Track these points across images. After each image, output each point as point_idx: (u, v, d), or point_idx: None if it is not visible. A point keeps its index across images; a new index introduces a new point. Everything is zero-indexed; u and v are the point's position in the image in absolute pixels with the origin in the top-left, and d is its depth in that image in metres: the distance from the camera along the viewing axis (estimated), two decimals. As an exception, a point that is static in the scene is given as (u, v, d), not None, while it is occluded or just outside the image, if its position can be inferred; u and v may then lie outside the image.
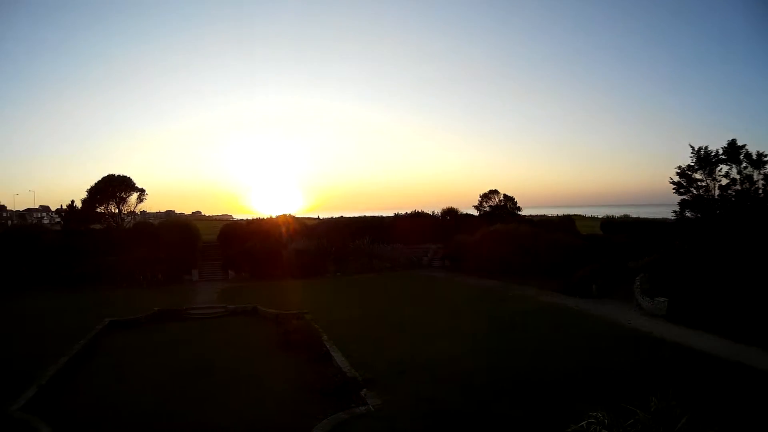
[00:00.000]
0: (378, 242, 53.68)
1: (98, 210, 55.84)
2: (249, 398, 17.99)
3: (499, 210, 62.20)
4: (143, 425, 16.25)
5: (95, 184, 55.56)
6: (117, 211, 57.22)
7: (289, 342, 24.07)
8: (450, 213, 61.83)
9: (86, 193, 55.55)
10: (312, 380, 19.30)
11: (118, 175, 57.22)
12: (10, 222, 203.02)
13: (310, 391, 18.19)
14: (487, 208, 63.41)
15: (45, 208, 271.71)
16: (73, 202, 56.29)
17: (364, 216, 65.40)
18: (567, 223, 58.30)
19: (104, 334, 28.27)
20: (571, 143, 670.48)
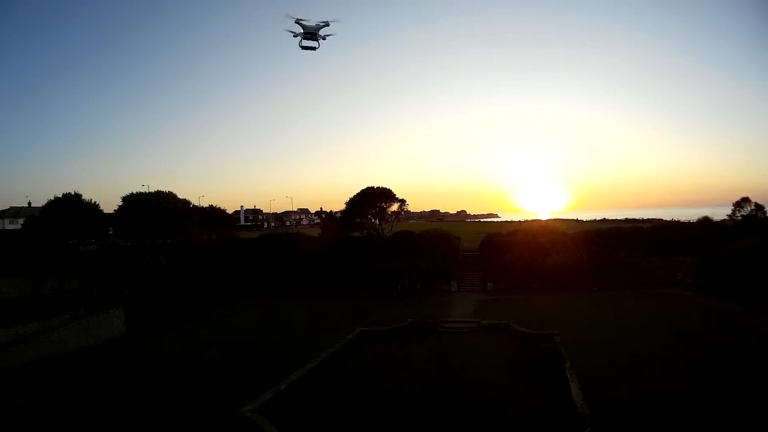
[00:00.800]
0: (634, 254, 51.94)
1: (357, 220, 61.49)
2: (480, 424, 19.28)
3: (751, 220, 57.69)
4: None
5: (354, 196, 61.70)
6: (377, 221, 62.21)
7: (533, 365, 24.92)
8: (705, 223, 58.90)
9: (344, 205, 61.75)
10: (545, 409, 20.04)
11: (377, 187, 62.44)
12: (266, 224, 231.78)
13: (540, 423, 18.98)
14: (739, 218, 59.51)
15: (304, 211, 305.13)
16: (331, 211, 62.47)
17: (619, 227, 64.63)
18: None
19: (354, 343, 31.34)
20: None
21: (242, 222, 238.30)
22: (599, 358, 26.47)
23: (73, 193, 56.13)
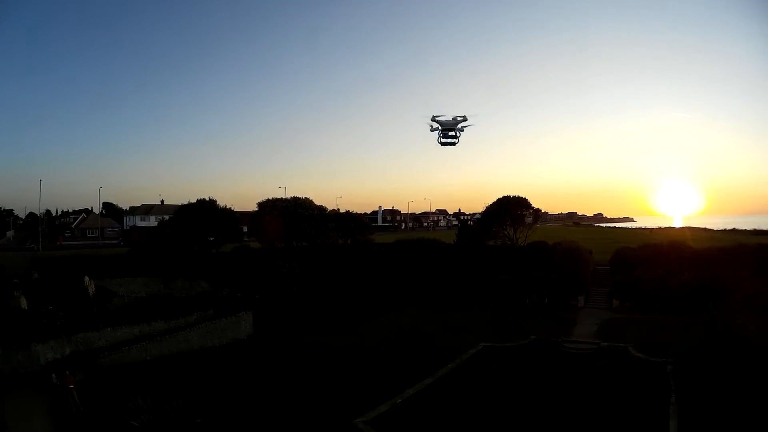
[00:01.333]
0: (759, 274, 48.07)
1: (493, 229, 63.30)
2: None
3: None
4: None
5: (490, 205, 63.85)
6: (511, 230, 63.90)
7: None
8: None
9: (483, 207, 63.89)
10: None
11: (514, 197, 64.40)
12: (404, 225, 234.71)
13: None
14: None
15: (442, 212, 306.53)
16: (467, 219, 64.60)
17: (746, 243, 60.91)
18: None
19: (477, 359, 32.87)
20: None
21: (380, 222, 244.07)
22: (712, 393, 25.94)
23: (208, 199, 59.87)
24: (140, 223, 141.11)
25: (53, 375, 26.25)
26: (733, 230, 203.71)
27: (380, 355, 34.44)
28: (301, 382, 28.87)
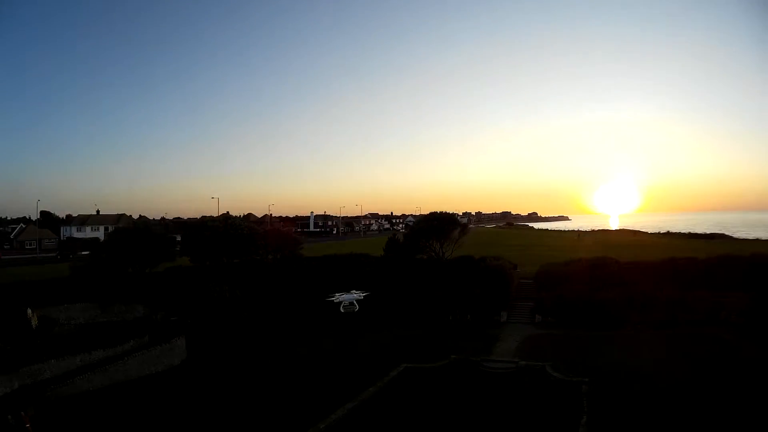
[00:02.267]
0: (685, 287, 52.52)
1: (420, 243, 64.65)
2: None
3: None
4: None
5: (417, 221, 65.98)
6: (438, 246, 65.31)
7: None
8: (757, 258, 58.40)
9: (411, 225, 65.80)
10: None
11: (441, 213, 66.60)
12: (336, 230, 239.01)
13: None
14: None
15: (374, 215, 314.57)
16: (395, 235, 66.20)
17: (673, 259, 63.91)
18: None
19: (398, 381, 33.56)
20: None
21: (312, 228, 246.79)
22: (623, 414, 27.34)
23: (139, 216, 60.46)
24: (77, 234, 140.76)
25: (9, 416, 25.72)
26: (668, 233, 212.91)
27: (304, 378, 35.17)
28: (226, 410, 29.56)
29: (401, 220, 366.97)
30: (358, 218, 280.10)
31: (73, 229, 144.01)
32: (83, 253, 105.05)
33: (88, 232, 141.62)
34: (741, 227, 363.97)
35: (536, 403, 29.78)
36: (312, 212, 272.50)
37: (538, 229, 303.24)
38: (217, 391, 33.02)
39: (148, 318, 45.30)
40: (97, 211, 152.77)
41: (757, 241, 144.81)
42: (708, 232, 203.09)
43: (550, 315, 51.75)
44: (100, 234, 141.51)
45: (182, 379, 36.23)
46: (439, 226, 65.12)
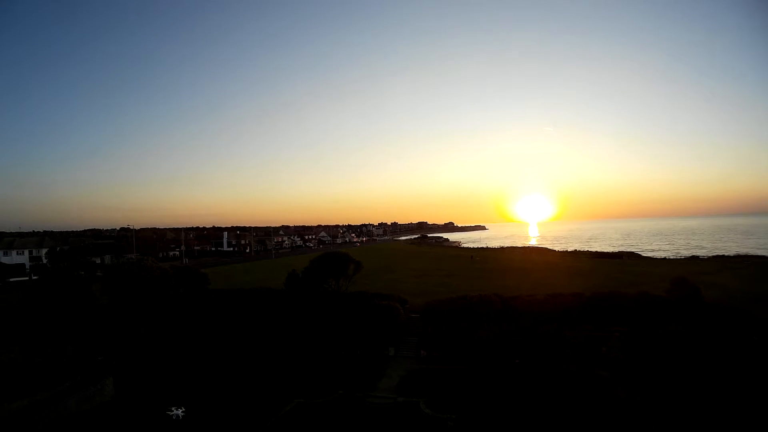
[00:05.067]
0: (569, 323, 56.90)
1: (319, 280, 70.58)
2: None
3: (684, 301, 58.91)
4: None
5: (313, 261, 72.12)
6: (334, 282, 71.82)
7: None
8: (642, 297, 60.79)
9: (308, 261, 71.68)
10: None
11: (336, 252, 74.03)
12: (248, 248, 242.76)
13: None
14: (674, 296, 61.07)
15: (286, 229, 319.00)
16: (294, 271, 71.14)
17: (560, 295, 66.59)
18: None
19: (291, 415, 39.55)
20: None
21: (225, 247, 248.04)
22: None
23: (65, 266, 62.76)
24: (3, 259, 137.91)
25: None
26: (575, 252, 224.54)
27: (211, 413, 40.52)
28: None
29: (313, 235, 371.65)
30: (273, 230, 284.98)
31: (0, 253, 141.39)
32: (11, 279, 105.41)
33: (14, 257, 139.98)
34: (646, 236, 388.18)
35: None
36: (225, 232, 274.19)
37: (444, 246, 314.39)
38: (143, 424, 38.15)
39: (78, 357, 48.34)
40: (21, 232, 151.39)
41: (665, 260, 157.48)
42: (617, 251, 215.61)
43: (434, 350, 55.73)
44: (24, 258, 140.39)
45: (114, 414, 40.58)
46: (333, 266, 71.37)
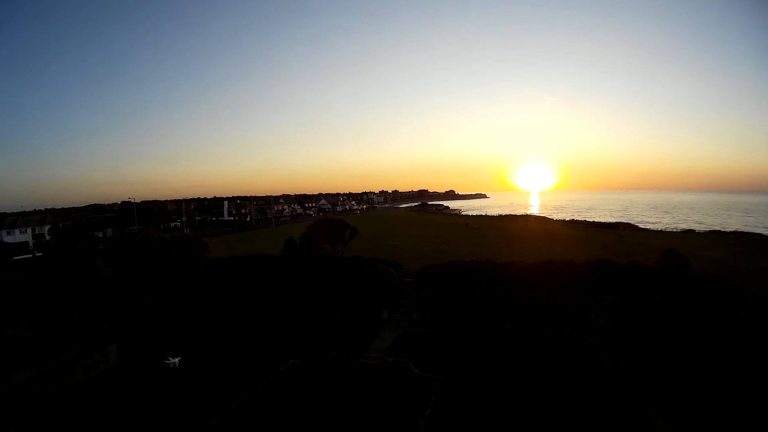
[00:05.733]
0: (560, 290, 56.97)
1: (315, 244, 72.06)
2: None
3: (673, 272, 59.77)
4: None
5: (310, 226, 73.65)
6: (330, 247, 73.05)
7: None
8: (632, 266, 62.18)
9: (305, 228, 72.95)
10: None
11: (333, 218, 77.78)
12: (249, 217, 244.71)
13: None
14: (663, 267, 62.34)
15: (287, 198, 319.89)
16: (291, 238, 72.35)
17: (551, 261, 67.85)
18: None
19: (287, 374, 41.63)
20: None
21: (226, 217, 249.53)
22: (464, 409, 33.80)
23: (67, 240, 64.31)
24: (7, 239, 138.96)
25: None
26: (572, 221, 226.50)
27: (211, 374, 42.11)
28: (154, 400, 37.09)
29: (314, 203, 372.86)
30: (268, 201, 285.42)
31: (3, 233, 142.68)
32: (16, 258, 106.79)
33: (17, 236, 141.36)
34: (645, 210, 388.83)
35: (396, 396, 36.98)
36: (226, 202, 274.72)
37: (444, 214, 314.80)
38: (142, 389, 39.45)
39: (83, 327, 49.80)
40: (24, 211, 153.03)
41: (660, 232, 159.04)
42: (614, 221, 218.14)
43: (426, 313, 57.15)
44: (28, 237, 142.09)
45: (118, 379, 41.91)
46: (329, 232, 72.95)
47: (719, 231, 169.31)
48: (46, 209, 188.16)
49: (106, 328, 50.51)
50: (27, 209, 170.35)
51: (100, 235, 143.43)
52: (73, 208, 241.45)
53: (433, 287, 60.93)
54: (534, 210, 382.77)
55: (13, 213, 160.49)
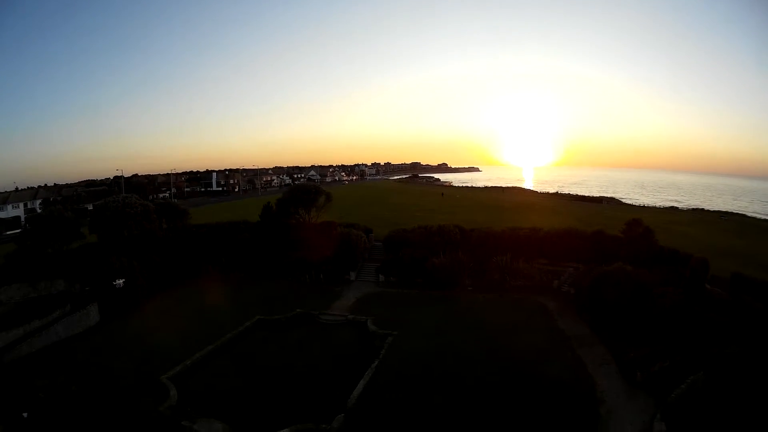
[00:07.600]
0: (522, 257, 58.99)
1: (291, 209, 74.34)
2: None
3: (638, 241, 59.24)
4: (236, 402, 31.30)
5: (284, 193, 76.48)
6: (305, 213, 75.75)
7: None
8: (598, 235, 62.53)
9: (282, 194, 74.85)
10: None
11: (304, 185, 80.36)
12: (237, 188, 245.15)
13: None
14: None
15: (277, 170, 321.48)
16: (269, 203, 73.81)
17: (516, 229, 67.82)
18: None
19: (251, 329, 44.51)
20: None
21: (214, 187, 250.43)
22: (416, 366, 35.74)
23: (56, 208, 67.40)
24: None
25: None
26: (556, 194, 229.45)
27: (184, 329, 45.02)
28: (128, 355, 39.70)
29: (303, 175, 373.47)
30: (258, 173, 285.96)
31: None
32: (8, 233, 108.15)
33: (9, 211, 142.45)
34: (635, 188, 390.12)
35: (351, 349, 39.91)
36: (214, 173, 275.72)
37: (433, 185, 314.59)
38: (124, 342, 42.78)
39: (68, 290, 53.07)
40: (16, 188, 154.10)
41: (643, 208, 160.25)
42: (598, 195, 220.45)
43: (391, 275, 59.48)
44: (20, 212, 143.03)
45: (98, 335, 45.43)
46: (303, 197, 75.49)
47: (702, 209, 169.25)
48: (38, 186, 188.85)
49: (89, 289, 53.07)
50: (20, 187, 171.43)
51: (90, 207, 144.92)
52: (66, 184, 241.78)
53: (399, 250, 62.80)
54: (526, 184, 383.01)
55: (6, 192, 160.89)
